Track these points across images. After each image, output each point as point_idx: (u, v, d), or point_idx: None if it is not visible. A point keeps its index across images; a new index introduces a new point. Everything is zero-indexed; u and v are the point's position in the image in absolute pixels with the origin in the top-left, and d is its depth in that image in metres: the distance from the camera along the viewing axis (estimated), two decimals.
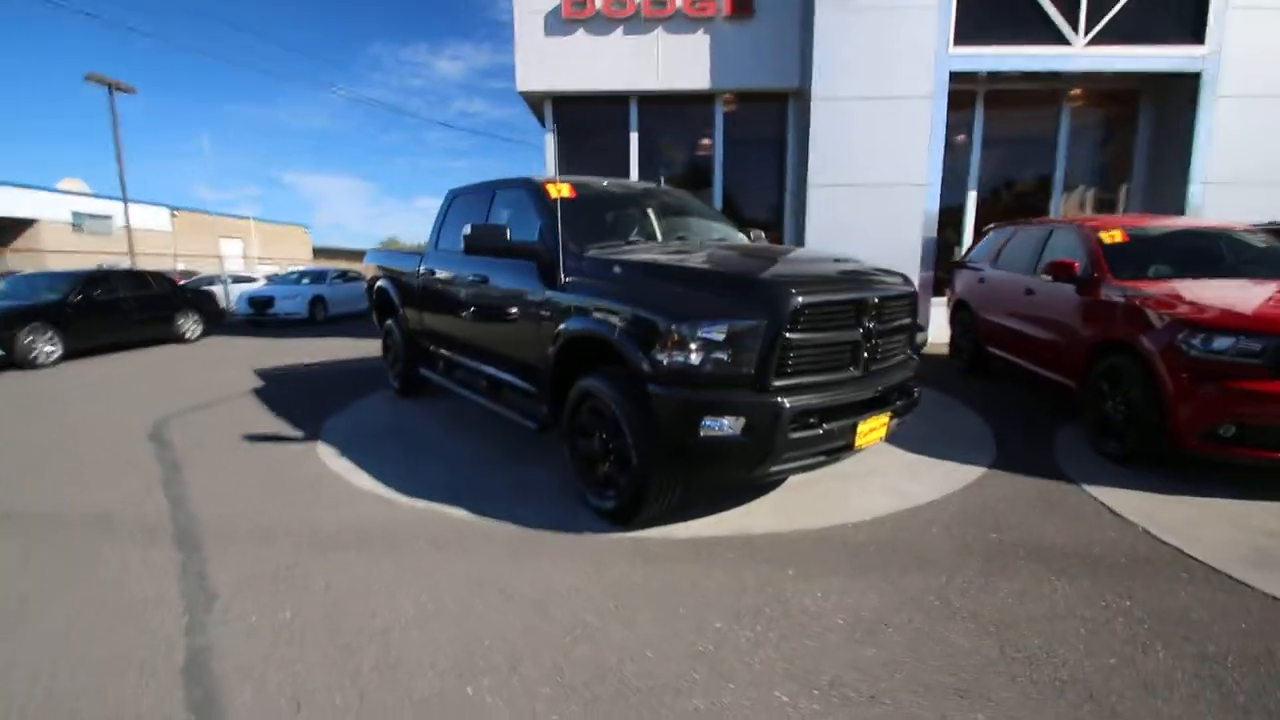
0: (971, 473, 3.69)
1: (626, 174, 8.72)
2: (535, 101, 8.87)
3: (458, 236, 4.58)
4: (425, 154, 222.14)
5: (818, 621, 2.23)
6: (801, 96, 8.30)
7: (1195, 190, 7.69)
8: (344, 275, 15.19)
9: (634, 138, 8.66)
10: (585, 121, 8.89)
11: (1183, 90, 7.71)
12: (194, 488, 3.60)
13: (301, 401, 5.72)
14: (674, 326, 2.55)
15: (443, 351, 4.77)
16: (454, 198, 4.78)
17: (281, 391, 6.24)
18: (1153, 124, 8.35)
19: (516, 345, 3.65)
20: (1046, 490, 3.44)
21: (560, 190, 3.70)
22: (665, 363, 2.58)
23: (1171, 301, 3.64)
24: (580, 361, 3.19)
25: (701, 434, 2.54)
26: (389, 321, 5.71)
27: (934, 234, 7.95)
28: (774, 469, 2.67)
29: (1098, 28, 7.44)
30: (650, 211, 4.12)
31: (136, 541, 2.91)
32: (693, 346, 2.53)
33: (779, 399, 2.54)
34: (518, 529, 2.99)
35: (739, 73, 8.17)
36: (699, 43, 8.11)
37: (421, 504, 3.30)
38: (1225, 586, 2.45)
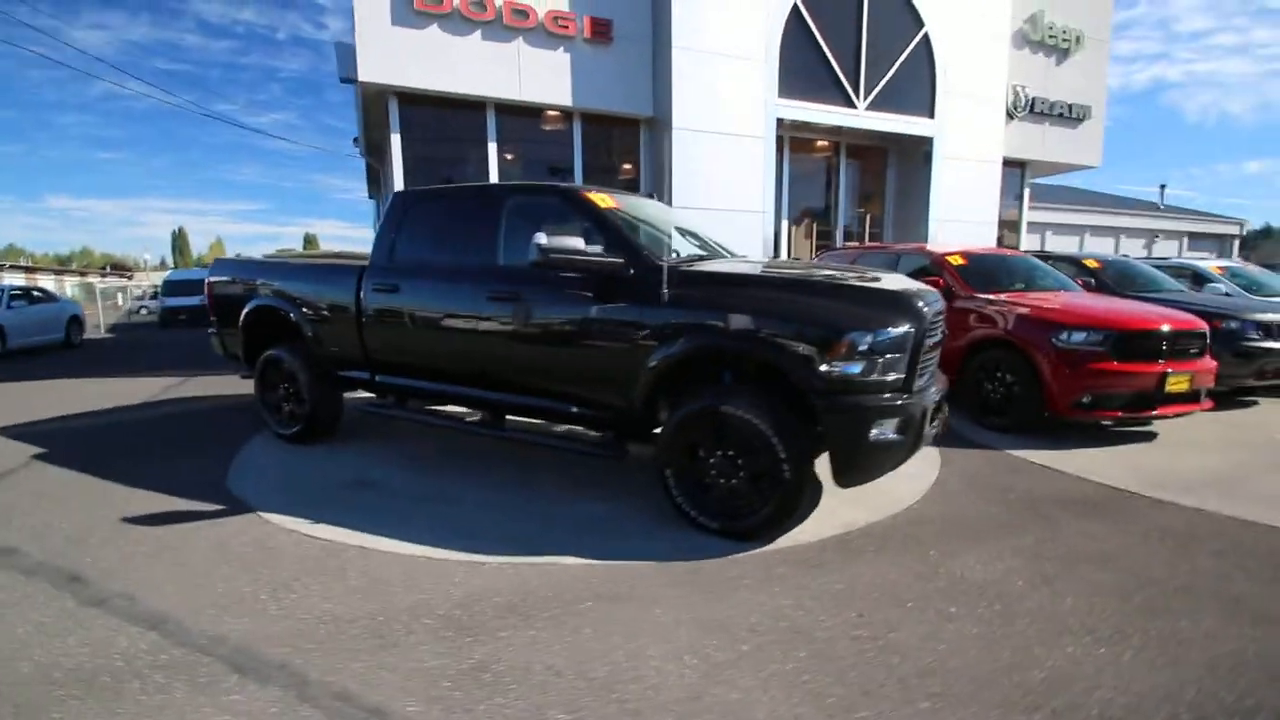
0: (929, 452, 4.48)
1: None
2: (374, 96, 7.81)
3: (425, 246, 3.96)
4: (56, 141, 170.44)
5: (1006, 581, 2.58)
6: (653, 125, 8.83)
7: (932, 226, 10.25)
8: (27, 294, 11.08)
9: (493, 148, 8.20)
10: (437, 126, 8.13)
11: (920, 150, 10.23)
12: (183, 611, 2.46)
13: (143, 462, 4.17)
14: (846, 336, 2.68)
15: (412, 382, 4.00)
16: (413, 203, 4.05)
17: (89, 455, 4.44)
18: (897, 173, 10.88)
19: (579, 369, 3.30)
20: (993, 458, 4.37)
21: (606, 200, 3.50)
22: (832, 373, 2.69)
23: (1043, 309, 4.95)
24: (672, 381, 3.09)
25: (871, 438, 2.71)
26: (274, 352, 4.53)
27: (772, 255, 9.16)
28: (904, 463, 2.98)
29: (872, 95, 9.47)
30: (659, 223, 4.08)
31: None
32: (860, 356, 2.69)
33: (921, 400, 2.85)
34: (654, 565, 2.76)
35: (598, 95, 8.34)
36: (560, 60, 8.07)
37: (517, 560, 2.80)
38: (1154, 503, 3.50)
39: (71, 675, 2.00)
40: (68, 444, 4.82)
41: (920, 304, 2.89)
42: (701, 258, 3.52)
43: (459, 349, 3.71)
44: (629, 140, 9.04)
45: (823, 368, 2.70)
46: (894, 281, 3.27)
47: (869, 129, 9.67)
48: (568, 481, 3.80)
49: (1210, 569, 2.72)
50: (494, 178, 8.22)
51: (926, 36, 9.67)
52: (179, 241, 79.68)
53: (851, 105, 9.38)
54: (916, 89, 9.81)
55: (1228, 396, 5.93)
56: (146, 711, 1.84)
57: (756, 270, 3.22)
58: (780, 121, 8.93)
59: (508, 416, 3.85)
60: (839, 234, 10.67)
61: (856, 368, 2.71)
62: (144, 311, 23.33)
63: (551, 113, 8.46)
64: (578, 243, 3.10)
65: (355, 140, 11.96)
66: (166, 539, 3.04)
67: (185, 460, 4.34)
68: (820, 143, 10.31)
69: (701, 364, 3.05)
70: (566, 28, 7.95)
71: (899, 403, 2.77)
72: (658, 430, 3.26)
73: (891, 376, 2.78)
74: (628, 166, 9.15)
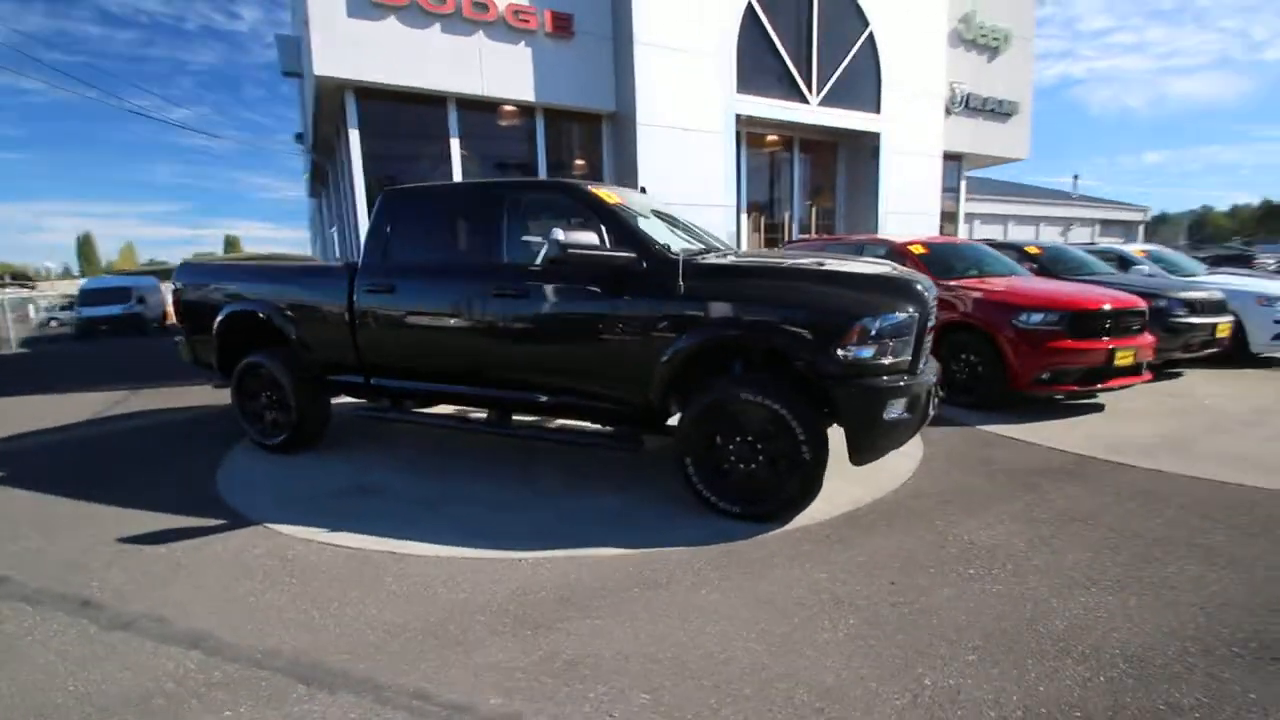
0: None
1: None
2: (329, 91, 7.51)
3: (421, 245, 3.91)
4: None
5: (1010, 543, 2.80)
6: (615, 120, 8.85)
7: (881, 216, 10.71)
8: None
9: (455, 144, 8.04)
10: (396, 121, 7.89)
11: (868, 145, 10.66)
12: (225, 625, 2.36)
13: (118, 480, 3.93)
14: (860, 322, 2.83)
15: (411, 384, 3.93)
16: (404, 201, 3.97)
17: (54, 476, 4.13)
18: (847, 167, 11.30)
19: (594, 363, 3.34)
20: (968, 434, 4.67)
21: (612, 196, 3.55)
22: (847, 358, 2.84)
23: (1003, 293, 5.30)
24: (687, 372, 3.17)
25: (885, 418, 2.88)
26: (254, 358, 4.34)
27: (737, 247, 9.37)
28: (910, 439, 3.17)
29: (824, 91, 9.80)
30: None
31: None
32: (873, 340, 2.86)
33: (925, 380, 3.04)
34: (686, 550, 2.85)
35: (560, 90, 8.29)
36: (522, 54, 7.97)
37: (552, 554, 2.83)
38: (1116, 466, 3.85)
39: (119, 700, 1.91)
40: (23, 465, 4.48)
41: (922, 289, 3.08)
42: (705, 250, 3.61)
43: (463, 348, 3.67)
44: (591, 135, 9.03)
45: (839, 353, 2.85)
46: (894, 270, 3.45)
47: (821, 124, 9.99)
48: (572, 476, 3.83)
49: (1181, 521, 3.04)
50: (457, 174, 8.07)
51: (872, 35, 10.08)
52: (85, 248, 73.71)
53: (805, 101, 9.68)
54: (864, 85, 10.22)
55: (1158, 369, 6.51)
56: None
57: (766, 262, 3.34)
58: (738, 117, 9.13)
59: (514, 415, 3.85)
60: (794, 227, 11.00)
61: (868, 351, 2.87)
62: (54, 324, 21.59)
63: (513, 108, 8.36)
64: (593, 238, 3.14)
65: (298, 136, 11.44)
66: (175, 558, 2.90)
67: (165, 475, 4.13)
68: (773, 137, 10.58)
69: (713, 355, 3.15)
70: (527, 21, 7.87)
71: (907, 383, 2.95)
72: (669, 422, 3.35)
73: (900, 359, 2.95)
74: (590, 162, 9.15)
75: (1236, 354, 6.97)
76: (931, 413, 3.22)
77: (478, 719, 1.81)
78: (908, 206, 10.89)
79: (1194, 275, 8.46)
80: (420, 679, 1.98)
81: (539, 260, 3.33)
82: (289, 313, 4.19)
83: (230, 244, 77.36)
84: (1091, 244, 10.99)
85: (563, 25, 8.08)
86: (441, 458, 4.29)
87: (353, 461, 4.28)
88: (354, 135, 7.44)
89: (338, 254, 11.17)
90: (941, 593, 2.44)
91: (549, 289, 3.37)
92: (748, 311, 2.99)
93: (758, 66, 9.20)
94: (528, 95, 8.10)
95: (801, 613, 2.32)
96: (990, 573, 2.59)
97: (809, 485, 3.00)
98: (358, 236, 7.93)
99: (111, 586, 2.64)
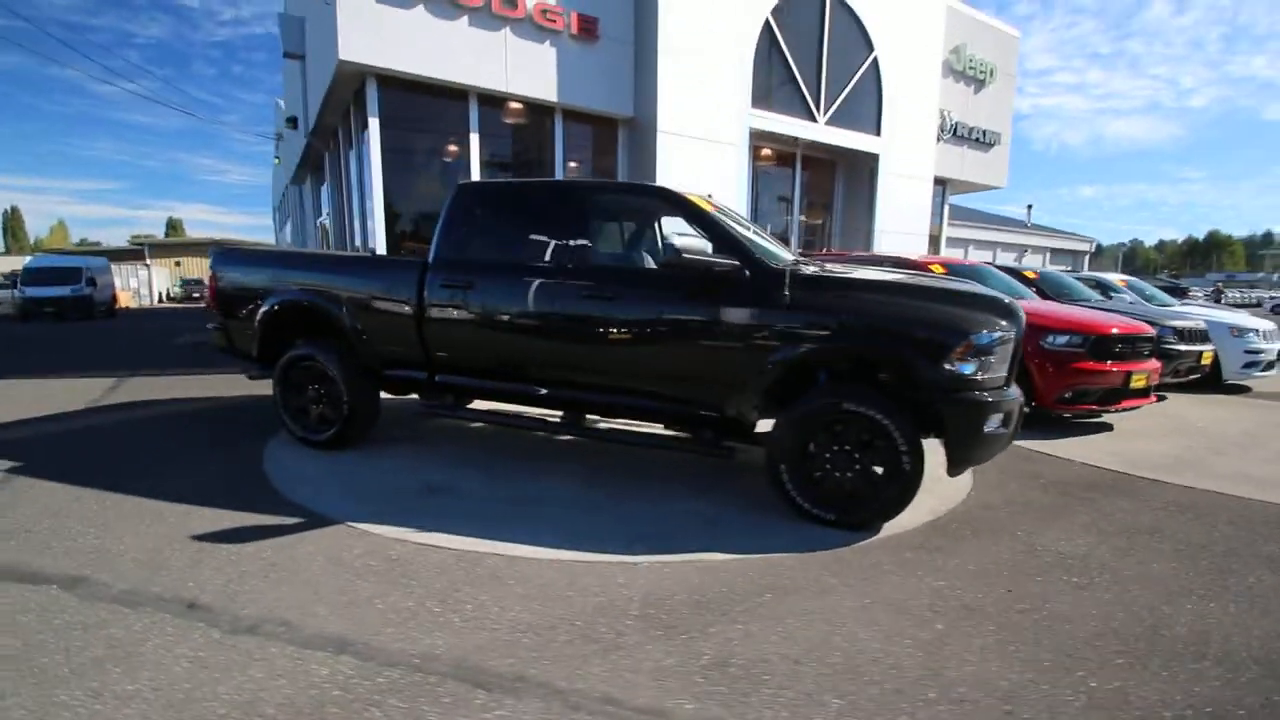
0: None
1: (468, 177, 7.90)
2: (348, 77, 7.28)
3: (499, 242, 3.85)
4: None
5: (1095, 553, 2.94)
6: (633, 126, 8.88)
7: (876, 235, 11.06)
8: None
9: (475, 139, 7.90)
10: (415, 113, 7.71)
11: (866, 165, 11.01)
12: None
13: (157, 475, 3.70)
14: (969, 338, 2.94)
15: (482, 383, 3.84)
16: (482, 197, 3.88)
17: (87, 467, 3.85)
18: (844, 185, 11.63)
19: (688, 369, 3.34)
20: (1011, 449, 4.87)
21: (705, 203, 3.57)
22: (953, 372, 2.94)
23: (1029, 315, 5.54)
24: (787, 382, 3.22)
25: (985, 431, 2.99)
26: (303, 350, 4.17)
27: None
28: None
29: (831, 111, 10.08)
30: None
31: None
32: (977, 355, 2.96)
33: (1017, 396, 3.18)
34: (795, 557, 2.88)
35: (582, 92, 8.27)
36: (546, 54, 7.93)
37: (664, 558, 2.81)
38: (1153, 483, 4.09)
39: (290, 710, 1.81)
40: (36, 456, 4.17)
41: (1017, 309, 3.22)
42: (799, 262, 3.67)
43: (546, 349, 3.62)
44: (607, 140, 9.03)
45: (946, 367, 2.95)
46: (985, 288, 3.58)
47: (826, 142, 10.28)
48: (639, 479, 3.83)
49: (1236, 535, 3.25)
50: (475, 170, 7.94)
51: (876, 60, 10.44)
52: (10, 223, 68.70)
53: (813, 119, 9.94)
54: (867, 108, 10.56)
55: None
56: None
57: (869, 276, 3.42)
58: (751, 131, 9.30)
59: (587, 416, 3.81)
60: (793, 241, 11.24)
61: (971, 366, 2.98)
62: None
63: (534, 107, 8.28)
64: (705, 245, 3.16)
65: (291, 120, 11.00)
66: (266, 557, 2.75)
67: (204, 470, 3.91)
68: (778, 153, 10.81)
69: (808, 366, 3.20)
70: (554, 22, 7.83)
71: (1004, 398, 3.07)
72: (754, 430, 3.39)
73: (997, 374, 3.07)
74: (605, 167, 9.14)
75: (1211, 380, 7.50)
76: (1018, 428, 3.36)
77: None
78: (900, 226, 11.29)
79: (1168, 305, 9.05)
80: (599, 683, 1.94)
81: (648, 263, 3.33)
82: (348, 304, 4.04)
83: (172, 226, 73.53)
84: (1074, 272, 11.59)
85: (588, 28, 8.08)
86: (492, 459, 4.21)
87: (400, 459, 4.15)
88: (374, 124, 7.24)
89: (331, 244, 10.79)
90: (1061, 600, 2.54)
91: (648, 293, 3.36)
92: (859, 324, 3.06)
93: (771, 82, 9.41)
94: (550, 95, 8.05)
95: (940, 619, 2.38)
96: (1094, 581, 2.72)
97: (906, 495, 3.08)
98: (368, 227, 7.71)
99: (212, 588, 2.49)
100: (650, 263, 3.78)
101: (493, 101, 7.97)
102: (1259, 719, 1.87)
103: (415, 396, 4.31)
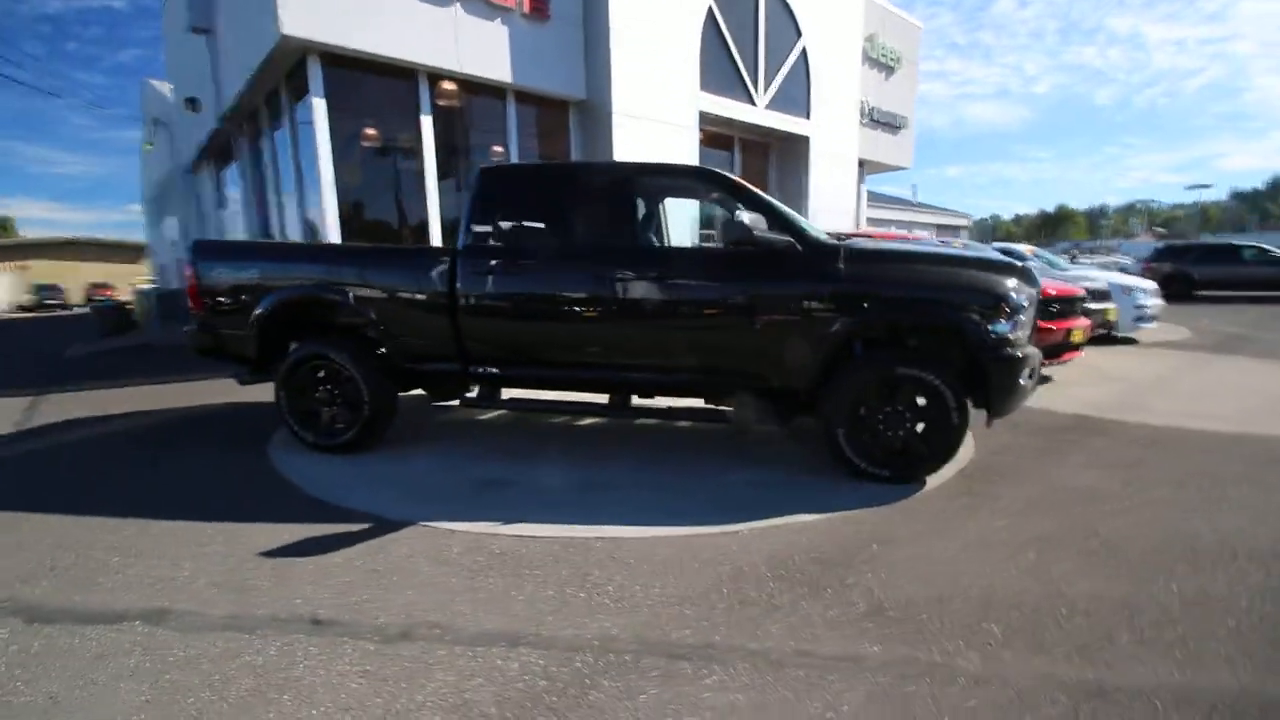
0: None
1: (420, 164, 7.51)
2: (288, 54, 6.67)
3: (534, 227, 3.76)
4: None
5: (1109, 483, 3.38)
6: (583, 109, 8.78)
7: (810, 214, 11.62)
8: None
9: (426, 121, 7.51)
10: (361, 95, 7.20)
11: (798, 147, 11.52)
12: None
13: (152, 497, 3.34)
14: (1008, 301, 3.25)
15: (524, 370, 3.75)
16: (510, 182, 3.75)
17: (55, 493, 3.38)
18: (778, 168, 12.10)
19: (747, 345, 3.45)
20: None
21: (747, 185, 3.67)
22: (995, 332, 3.25)
23: None
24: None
25: (1020, 384, 3.33)
26: (310, 349, 3.88)
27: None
28: None
29: (769, 95, 10.45)
30: None
31: None
32: (1012, 316, 3.29)
33: (1037, 352, 3.55)
34: (876, 511, 3.08)
35: (534, 73, 8.07)
36: (498, 33, 7.65)
37: (758, 524, 2.93)
38: (1113, 422, 4.70)
39: (510, 706, 1.76)
40: (15, 484, 3.62)
41: (1035, 274, 3.58)
42: (840, 236, 3.86)
43: (598, 332, 3.60)
44: (558, 123, 8.87)
45: (990, 327, 3.25)
46: (1007, 258, 3.91)
47: (764, 126, 10.66)
48: (692, 456, 3.93)
49: (1206, 460, 3.83)
50: (429, 153, 7.57)
51: (805, 47, 10.91)
52: None
53: (753, 103, 10.27)
54: (799, 92, 11.04)
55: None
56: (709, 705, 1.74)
57: (910, 248, 3.66)
58: (701, 114, 9.47)
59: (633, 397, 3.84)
60: None
61: (1007, 326, 3.30)
62: None
63: (487, 88, 7.98)
64: (763, 222, 3.26)
65: (190, 102, 9.85)
66: (362, 565, 2.59)
67: (217, 487, 3.57)
68: (718, 136, 11.07)
69: (864, 334, 3.41)
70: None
71: (1030, 354, 3.43)
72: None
73: (1025, 333, 3.42)
74: (558, 150, 8.98)
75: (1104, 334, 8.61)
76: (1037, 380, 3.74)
77: (874, 665, 1.92)
78: (830, 206, 11.94)
79: (1066, 271, 10.23)
80: (784, 640, 2.04)
81: (716, 242, 3.39)
82: (368, 297, 3.80)
83: (2, 226, 63.59)
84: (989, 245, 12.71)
85: (539, 7, 7.89)
86: (525, 447, 4.14)
87: (430, 458, 3.98)
88: (320, 106, 6.71)
89: (242, 233, 9.86)
90: (1107, 525, 2.92)
91: (716, 271, 3.43)
92: (911, 293, 3.30)
93: (716, 66, 9.61)
94: (503, 76, 7.80)
95: (1028, 550, 2.66)
96: (1126, 507, 3.13)
97: (953, 448, 3.38)
98: (316, 216, 7.18)
99: (326, 601, 2.33)
100: (685, 243, 3.85)
101: (443, 82, 7.60)
102: None
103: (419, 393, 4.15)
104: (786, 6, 10.46)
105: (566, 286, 3.59)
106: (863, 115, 13.05)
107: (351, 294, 3.82)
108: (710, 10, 9.32)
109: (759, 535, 2.84)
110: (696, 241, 7.58)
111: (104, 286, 32.86)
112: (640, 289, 3.50)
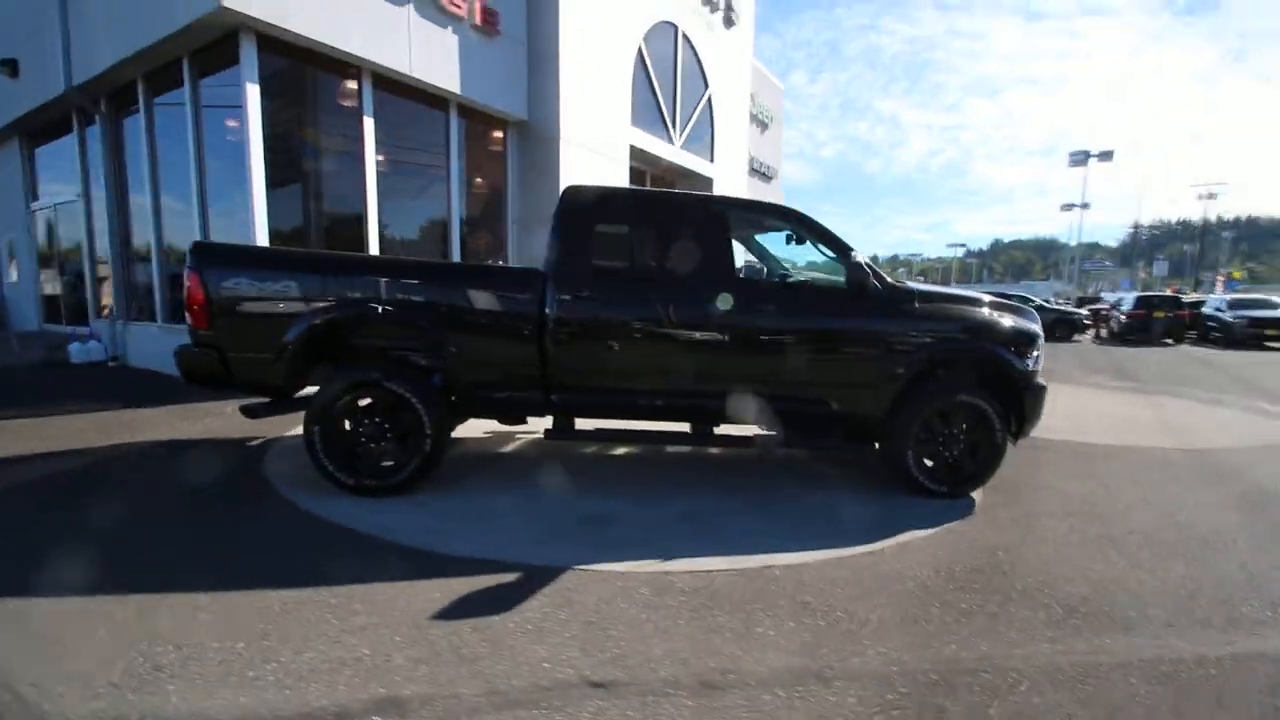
0: None
1: (361, 168, 6.75)
2: (205, 30, 5.64)
3: (628, 254, 3.70)
4: None
5: (1100, 490, 4.14)
6: (523, 130, 8.56)
7: None
8: None
9: (369, 124, 6.79)
10: (299, 84, 6.31)
11: (703, 187, 12.28)
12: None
13: (194, 565, 2.65)
14: (1037, 339, 3.87)
15: (613, 400, 3.59)
16: (604, 206, 3.61)
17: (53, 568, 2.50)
18: None
19: (833, 376, 3.69)
20: None
21: (827, 226, 3.96)
22: (1025, 366, 3.86)
23: None
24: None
25: (1039, 409, 3.97)
26: (365, 376, 3.37)
27: None
28: None
29: (684, 136, 11.04)
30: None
31: None
32: (1034, 351, 3.93)
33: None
34: (964, 523, 3.46)
35: (482, 88, 7.73)
36: (449, 40, 7.22)
37: (891, 541, 3.14)
38: (1078, 443, 5.73)
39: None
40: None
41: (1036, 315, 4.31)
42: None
43: (696, 363, 3.59)
44: (496, 141, 8.54)
45: (1025, 360, 3.86)
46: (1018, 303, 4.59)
47: (680, 165, 11.22)
48: (765, 481, 4.05)
49: (1183, 467, 4.82)
50: (370, 157, 6.84)
51: (710, 96, 11.75)
52: None
53: (671, 142, 10.78)
54: (706, 136, 11.82)
55: None
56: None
57: (959, 292, 4.17)
58: (630, 148, 9.72)
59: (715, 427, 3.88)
60: None
61: (1032, 361, 3.95)
62: None
63: (431, 97, 7.45)
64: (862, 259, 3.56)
65: (9, 64, 7.73)
66: (562, 616, 2.32)
67: (275, 540, 2.91)
68: (638, 170, 11.40)
69: (933, 366, 3.85)
70: (459, 7, 7.20)
71: (1044, 384, 4.11)
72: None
73: (1039, 367, 4.11)
74: (494, 169, 8.62)
75: None
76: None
77: (1122, 656, 2.22)
78: None
79: None
80: (1039, 643, 2.25)
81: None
82: (440, 319, 3.39)
83: None
84: None
85: (490, 20, 7.63)
86: (589, 481, 3.96)
87: (497, 495, 3.62)
88: (253, 92, 5.79)
89: (82, 235, 7.95)
90: (1136, 517, 3.60)
91: (787, 305, 3.64)
92: (970, 331, 3.80)
93: (643, 103, 9.96)
94: (451, 85, 7.39)
95: (1109, 549, 3.18)
96: (1138, 506, 3.85)
97: (996, 464, 3.91)
98: (244, 219, 6.14)
99: (572, 661, 2.05)
100: (754, 276, 4.03)
101: (388, 85, 6.96)
102: None
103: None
104: (698, 57, 11.23)
105: (670, 314, 3.55)
106: (749, 163, 14.33)
107: (421, 314, 3.38)
108: (640, 51, 9.68)
109: (899, 552, 3.05)
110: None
111: None
112: (744, 320, 3.59)
